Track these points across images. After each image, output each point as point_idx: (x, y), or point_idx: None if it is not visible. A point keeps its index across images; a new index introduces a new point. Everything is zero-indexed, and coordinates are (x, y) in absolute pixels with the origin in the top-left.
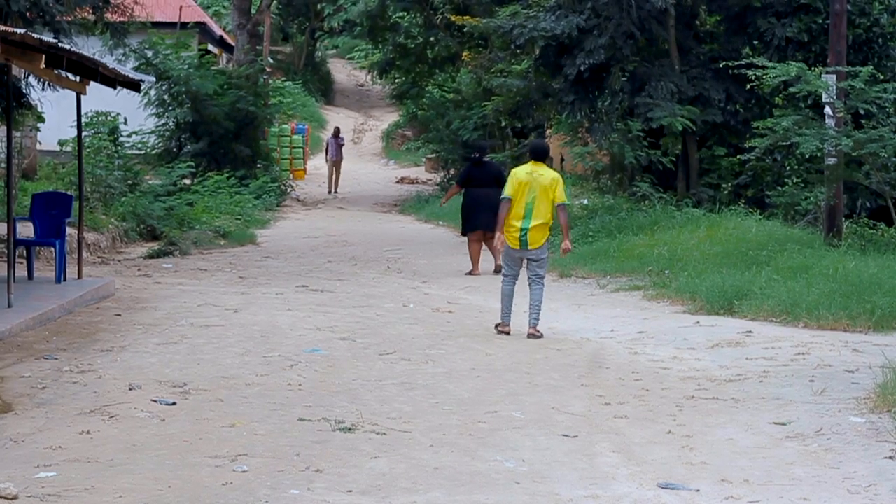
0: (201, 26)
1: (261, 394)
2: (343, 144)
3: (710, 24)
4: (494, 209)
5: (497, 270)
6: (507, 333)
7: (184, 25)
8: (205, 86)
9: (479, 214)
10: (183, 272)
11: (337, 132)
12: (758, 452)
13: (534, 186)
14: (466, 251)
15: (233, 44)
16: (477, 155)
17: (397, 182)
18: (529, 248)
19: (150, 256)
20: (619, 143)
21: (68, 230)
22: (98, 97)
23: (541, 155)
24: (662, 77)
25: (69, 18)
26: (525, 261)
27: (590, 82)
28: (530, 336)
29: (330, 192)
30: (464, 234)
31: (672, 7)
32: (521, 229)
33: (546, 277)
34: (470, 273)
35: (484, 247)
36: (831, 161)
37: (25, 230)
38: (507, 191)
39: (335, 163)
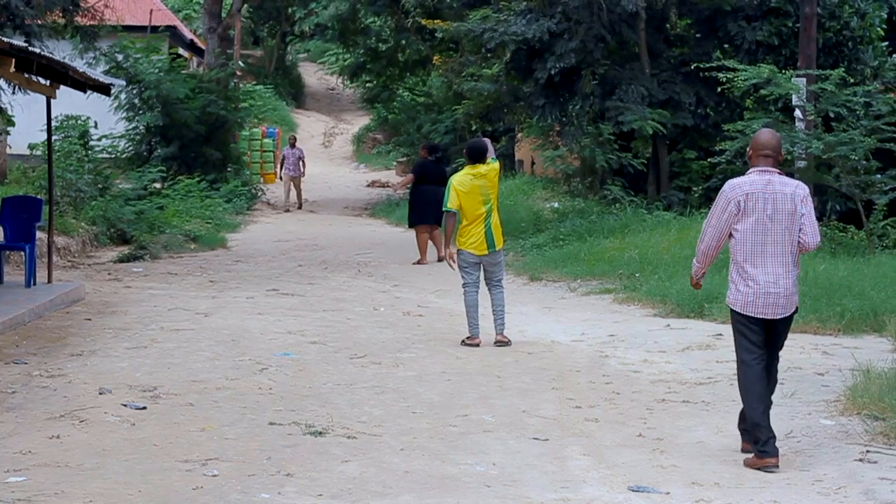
0: (172, 30)
1: (231, 398)
2: (302, 157)
3: (680, 27)
4: (439, 204)
5: (441, 259)
6: (477, 345)
7: (154, 29)
8: (175, 89)
9: (427, 209)
10: (153, 276)
11: (293, 142)
12: (728, 455)
13: (485, 190)
14: (436, 255)
15: (203, 47)
16: (434, 155)
17: (368, 186)
18: (496, 248)
19: (121, 260)
20: (590, 146)
21: (38, 234)
22: (68, 101)
23: (479, 157)
24: (633, 80)
25: (39, 22)
26: (482, 267)
27: (561, 86)
28: (499, 343)
29: (288, 209)
30: (410, 226)
31: (643, 10)
32: (487, 236)
33: (516, 280)
34: (418, 262)
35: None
36: (801, 164)
37: None
38: (451, 203)
39: (293, 178)
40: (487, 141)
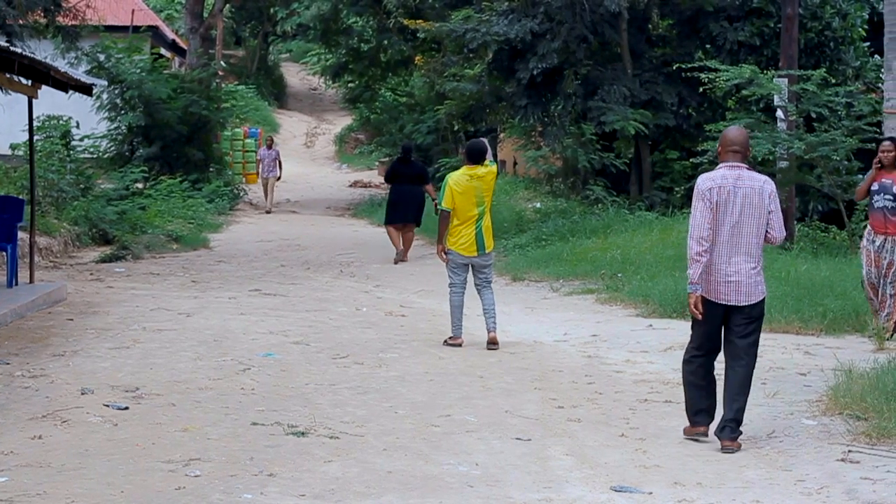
0: (154, 30)
1: (214, 398)
2: (278, 157)
3: (662, 27)
4: (415, 202)
5: (398, 261)
6: (460, 346)
7: (136, 29)
8: (157, 90)
9: (401, 208)
10: (135, 276)
11: (270, 143)
12: (710, 455)
13: (479, 192)
14: (419, 255)
15: (185, 47)
16: (404, 155)
17: (350, 186)
18: (486, 251)
19: (103, 261)
20: (573, 146)
21: (20, 234)
22: (50, 101)
23: (479, 157)
24: (615, 81)
25: (21, 22)
26: (471, 268)
27: (543, 86)
28: (492, 341)
29: (269, 210)
30: (386, 223)
31: (625, 11)
32: (477, 238)
33: (498, 280)
34: (396, 256)
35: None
36: (783, 164)
37: None
38: (446, 202)
39: (267, 179)
40: (486, 142)
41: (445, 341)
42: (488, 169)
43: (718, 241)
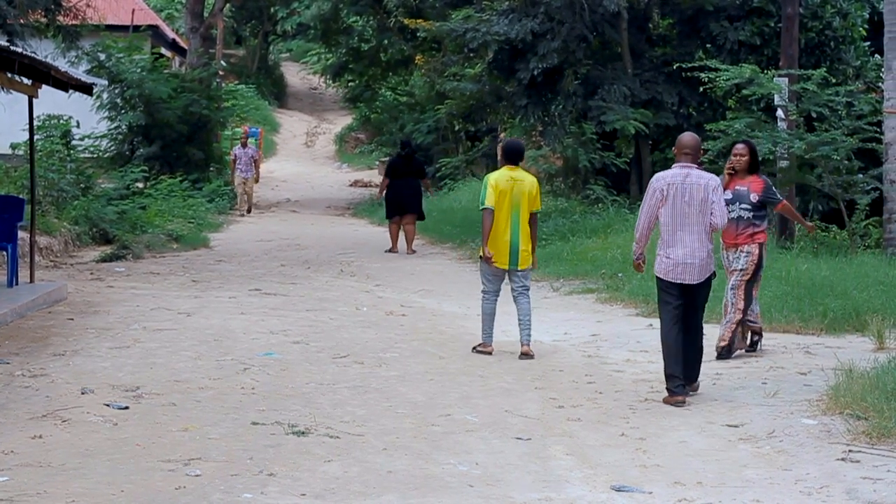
0: (154, 29)
1: (214, 398)
2: (255, 157)
3: (662, 27)
4: (413, 196)
5: (411, 252)
6: (490, 354)
7: (136, 28)
8: (158, 89)
9: (401, 201)
10: (135, 276)
11: (244, 141)
12: (711, 455)
13: (516, 195)
14: (419, 255)
15: (185, 47)
16: (404, 150)
17: (350, 185)
18: (520, 268)
19: (103, 260)
20: (573, 146)
21: (20, 234)
22: (50, 100)
23: (517, 157)
24: (615, 80)
25: (22, 21)
26: (508, 276)
27: (543, 86)
28: (524, 354)
29: (242, 213)
30: (387, 217)
31: (625, 10)
32: (511, 247)
33: None
34: (389, 251)
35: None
36: (783, 164)
37: None
38: (488, 200)
39: (245, 181)
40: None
41: (475, 348)
42: (532, 179)
43: (673, 231)
